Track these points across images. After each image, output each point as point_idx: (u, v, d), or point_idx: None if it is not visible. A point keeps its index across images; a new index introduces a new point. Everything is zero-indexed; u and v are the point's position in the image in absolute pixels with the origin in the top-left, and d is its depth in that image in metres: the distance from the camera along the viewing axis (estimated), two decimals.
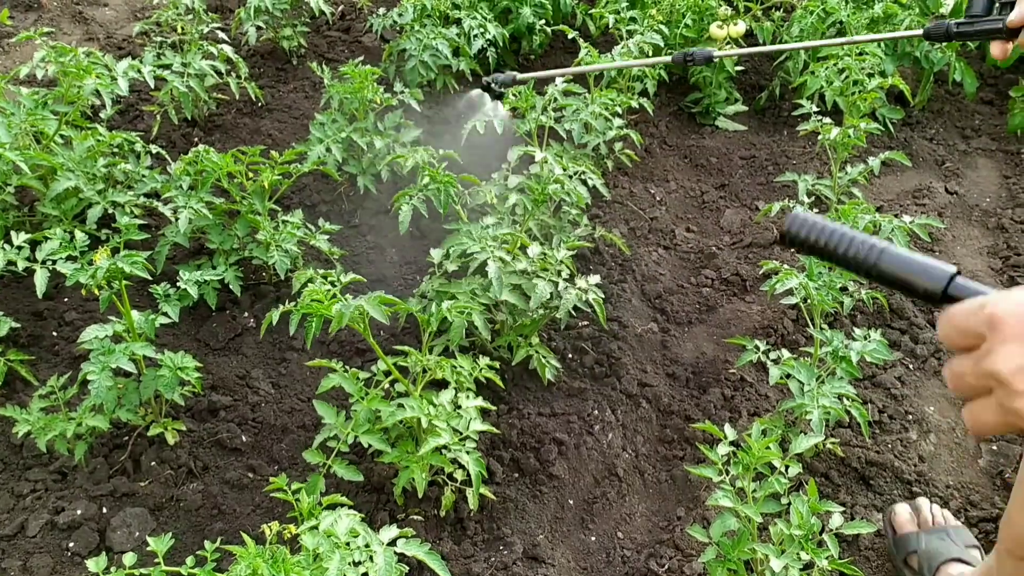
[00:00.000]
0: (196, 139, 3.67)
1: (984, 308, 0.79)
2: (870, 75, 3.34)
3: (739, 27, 3.74)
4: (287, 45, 4.23)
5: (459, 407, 2.06)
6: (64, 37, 4.62)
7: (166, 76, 3.20)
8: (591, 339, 2.74)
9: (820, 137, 3.00)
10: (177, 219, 2.58)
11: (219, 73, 3.60)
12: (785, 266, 2.38)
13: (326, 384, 2.10)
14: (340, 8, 4.87)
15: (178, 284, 2.26)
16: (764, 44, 3.93)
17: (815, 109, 3.08)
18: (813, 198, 3.08)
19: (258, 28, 4.03)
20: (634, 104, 3.35)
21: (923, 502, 2.20)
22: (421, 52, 3.66)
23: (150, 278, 2.15)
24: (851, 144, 2.95)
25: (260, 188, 2.70)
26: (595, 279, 2.54)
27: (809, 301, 2.26)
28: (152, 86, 3.12)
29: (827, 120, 3.07)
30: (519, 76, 2.74)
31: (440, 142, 2.88)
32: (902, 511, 2.20)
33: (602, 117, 3.11)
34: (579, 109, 3.07)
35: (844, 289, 2.66)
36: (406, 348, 2.17)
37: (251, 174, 2.74)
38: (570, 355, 2.71)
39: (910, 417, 2.52)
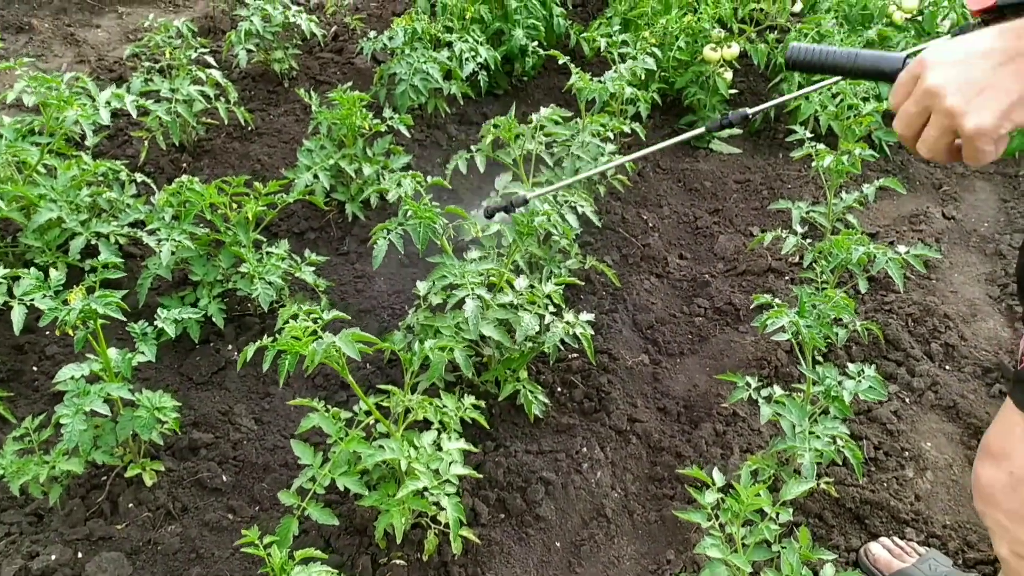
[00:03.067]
0: (184, 164, 3.63)
1: (917, 60, 1.02)
2: (865, 99, 3.30)
3: (733, 49, 3.70)
4: (278, 68, 4.20)
5: (441, 449, 2.01)
6: (55, 60, 4.60)
7: (150, 106, 3.17)
8: (581, 372, 2.69)
9: (814, 163, 2.95)
10: (159, 251, 2.54)
11: (208, 98, 3.57)
12: (777, 300, 2.33)
13: (306, 424, 2.05)
14: (333, 29, 4.85)
15: (156, 321, 2.22)
16: (760, 67, 3.89)
17: (808, 135, 3.04)
18: (807, 227, 3.03)
19: (248, 51, 4.00)
20: (626, 129, 3.30)
21: (885, 540, 2.17)
22: (411, 76, 3.62)
23: (123, 319, 2.10)
24: (845, 171, 2.91)
25: (244, 219, 2.66)
26: (585, 315, 2.49)
27: (801, 337, 2.21)
28: (135, 116, 3.08)
29: (821, 146, 3.03)
30: (528, 196, 2.12)
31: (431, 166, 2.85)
32: (879, 551, 2.15)
33: (592, 144, 3.07)
34: (568, 140, 3.03)
35: (838, 320, 2.60)
36: (389, 387, 2.12)
37: (235, 205, 2.70)
38: (559, 389, 2.66)
39: (906, 454, 2.47)
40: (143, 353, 2.18)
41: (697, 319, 2.96)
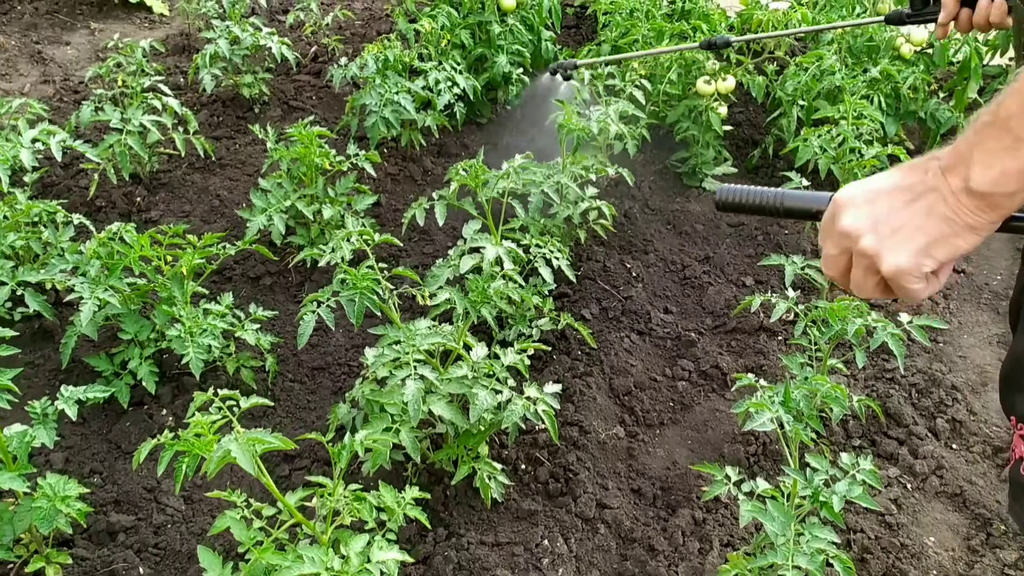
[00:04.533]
0: (139, 199, 3.40)
1: (832, 200, 0.98)
2: (868, 141, 3.04)
3: (728, 82, 3.45)
4: (247, 93, 3.97)
5: (370, 559, 1.76)
6: (19, 79, 4.38)
7: (81, 149, 2.93)
8: (548, 447, 2.44)
9: None
10: (80, 311, 2.30)
11: (164, 128, 3.34)
12: (762, 382, 2.08)
13: (219, 525, 1.80)
14: (313, 49, 4.62)
15: (58, 400, 1.98)
16: (758, 100, 3.63)
17: (805, 183, 2.78)
18: (799, 291, 2.77)
19: (214, 76, 3.77)
20: (610, 172, 3.05)
21: None
22: (382, 108, 3.38)
23: (16, 400, 1.87)
24: None
25: (179, 274, 2.42)
26: (551, 387, 2.24)
27: (786, 432, 1.95)
28: (59, 159, 2.86)
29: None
30: (578, 62, 3.24)
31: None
32: None
33: (571, 190, 2.83)
34: (543, 181, 2.78)
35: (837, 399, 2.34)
36: (319, 481, 1.87)
37: (171, 257, 2.46)
38: (523, 466, 2.41)
39: (907, 551, 2.20)
40: (60, 431, 1.94)
41: (680, 384, 2.70)
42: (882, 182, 0.96)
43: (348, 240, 2.21)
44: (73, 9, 5.05)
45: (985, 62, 3.96)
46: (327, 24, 4.54)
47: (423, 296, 2.15)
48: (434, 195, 2.61)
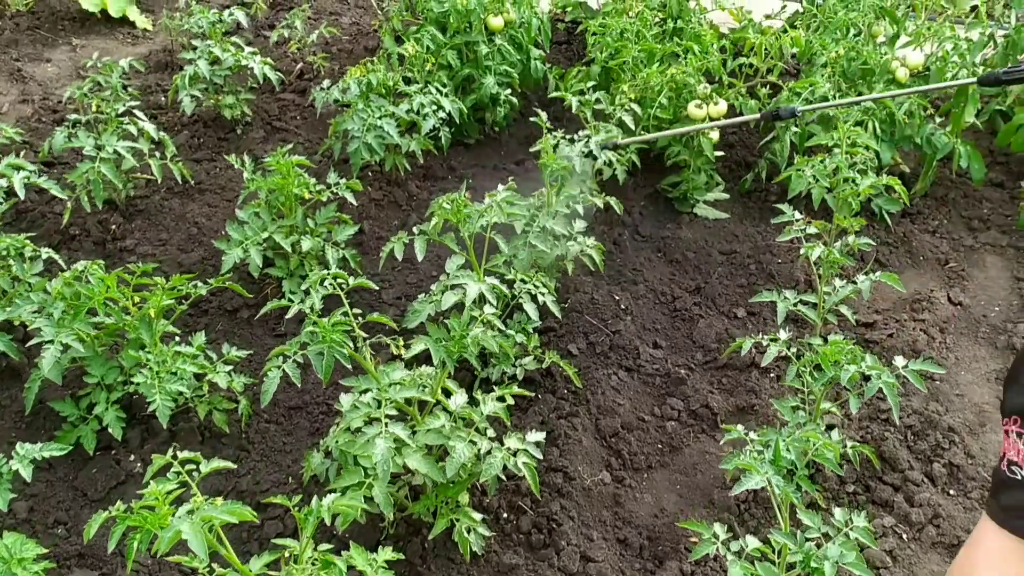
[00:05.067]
0: (115, 226, 3.31)
1: None
2: (862, 171, 2.96)
3: (720, 106, 3.37)
4: (229, 114, 3.88)
5: None
6: None
7: (46, 185, 2.85)
8: (531, 495, 2.35)
9: (802, 251, 2.62)
10: (42, 356, 2.21)
11: (140, 154, 3.26)
12: (751, 435, 1.99)
13: None
14: (299, 67, 4.53)
15: (13, 460, 1.88)
16: (750, 123, 3.55)
17: (798, 216, 2.70)
18: (792, 324, 2.68)
19: (194, 97, 3.67)
20: (599, 204, 2.97)
21: None
22: (365, 133, 3.29)
23: None
24: (837, 263, 2.57)
25: (147, 316, 2.33)
26: (533, 436, 2.15)
27: (776, 492, 1.86)
28: (22, 196, 2.77)
29: (811, 228, 2.70)
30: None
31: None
32: None
33: (551, 234, 2.75)
34: (529, 222, 2.70)
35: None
36: (286, 543, 1.79)
37: (139, 299, 2.37)
38: (505, 515, 2.32)
39: None
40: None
41: (669, 424, 2.62)
42: None
43: (322, 284, 2.12)
44: (55, 25, 4.96)
45: None
46: (312, 41, 4.45)
47: (397, 346, 2.06)
48: (415, 229, 2.52)
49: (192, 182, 3.50)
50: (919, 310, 3.00)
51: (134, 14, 5.08)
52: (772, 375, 2.78)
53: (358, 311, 2.06)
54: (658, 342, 2.91)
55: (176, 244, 3.25)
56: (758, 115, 3.02)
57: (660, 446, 2.56)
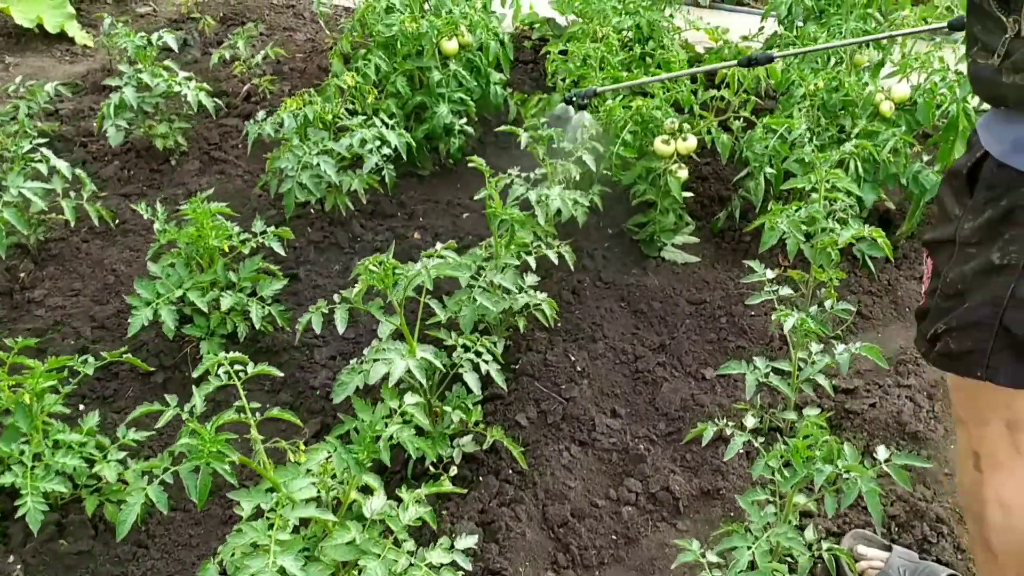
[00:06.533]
0: (23, 274, 3.01)
1: None
2: (842, 220, 2.69)
3: (689, 142, 3.09)
4: (161, 144, 3.58)
5: None
6: None
7: None
8: None
9: (774, 316, 2.34)
10: None
11: (54, 194, 2.96)
12: (708, 557, 1.72)
13: None
14: (245, 88, 4.23)
15: None
16: (723, 159, 3.28)
17: (768, 275, 2.43)
18: (764, 399, 2.41)
19: (120, 127, 3.38)
20: (551, 256, 2.69)
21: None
22: (300, 172, 3.00)
23: None
24: (812, 333, 2.30)
25: (22, 401, 2.03)
26: (463, 541, 1.87)
27: None
28: None
29: (785, 290, 2.43)
30: (599, 89, 3.08)
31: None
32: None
33: (497, 293, 2.47)
34: (469, 294, 2.43)
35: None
36: None
37: (14, 382, 2.07)
38: None
39: None
40: None
41: (626, 509, 2.34)
42: None
43: (216, 372, 1.83)
44: None
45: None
46: (258, 63, 4.15)
47: (293, 452, 1.77)
48: (336, 297, 2.24)
49: (113, 223, 3.19)
50: (904, 374, 2.73)
51: (74, 30, 4.78)
52: (741, 451, 2.51)
53: (256, 405, 1.78)
54: (617, 410, 2.63)
55: (90, 295, 2.95)
56: (735, 62, 2.80)
57: (614, 537, 2.28)
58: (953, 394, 1.71)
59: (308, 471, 1.75)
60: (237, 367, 1.84)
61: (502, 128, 2.97)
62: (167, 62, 3.62)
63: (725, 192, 3.61)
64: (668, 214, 3.20)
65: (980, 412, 1.59)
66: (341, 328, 2.19)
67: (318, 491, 1.79)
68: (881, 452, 1.99)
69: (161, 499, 1.64)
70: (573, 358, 2.77)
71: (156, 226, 2.60)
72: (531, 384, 2.66)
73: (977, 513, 1.67)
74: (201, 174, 3.63)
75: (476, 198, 2.64)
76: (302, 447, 1.76)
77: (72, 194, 3.03)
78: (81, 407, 2.57)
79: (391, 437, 1.83)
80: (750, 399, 2.37)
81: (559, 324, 2.90)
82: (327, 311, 2.23)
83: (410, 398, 1.92)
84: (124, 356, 2.21)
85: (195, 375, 1.85)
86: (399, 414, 1.88)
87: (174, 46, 3.60)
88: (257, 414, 1.78)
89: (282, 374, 2.10)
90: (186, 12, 4.93)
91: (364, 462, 1.74)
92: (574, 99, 3.05)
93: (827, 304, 2.39)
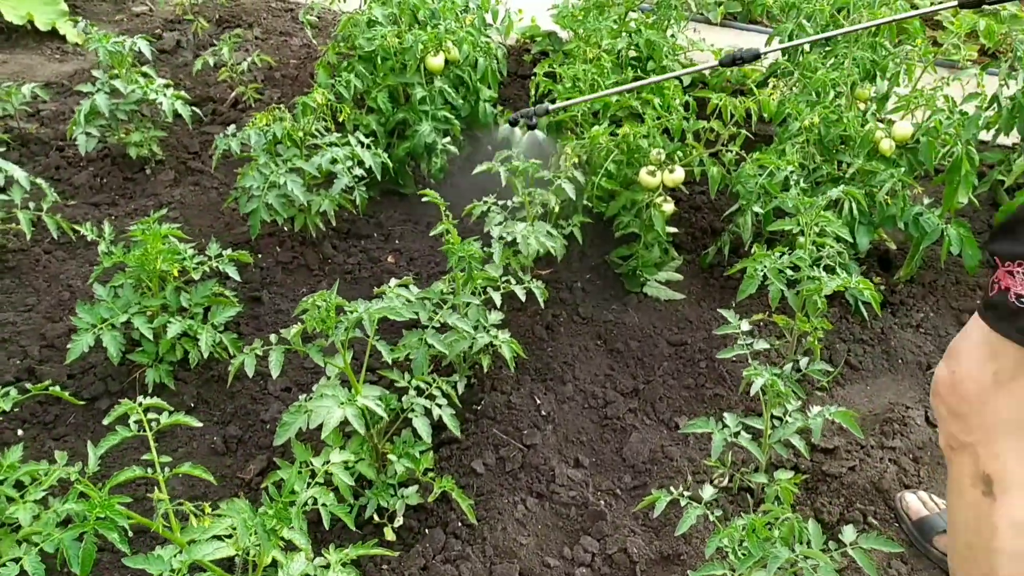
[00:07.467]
0: None
1: None
2: (829, 267, 2.53)
3: (676, 174, 2.94)
4: (135, 153, 3.48)
5: None
6: None
7: None
8: None
9: (745, 374, 2.19)
10: None
11: (12, 204, 2.86)
12: None
13: None
14: (232, 95, 4.12)
15: None
16: (712, 193, 3.11)
17: (745, 328, 2.27)
18: (733, 456, 2.25)
19: (89, 135, 3.27)
20: (519, 293, 2.55)
21: (923, 493, 2.30)
22: (266, 192, 2.88)
23: None
24: (786, 394, 2.14)
25: None
26: None
27: None
28: None
29: (760, 343, 2.28)
30: (551, 107, 2.74)
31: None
32: (912, 499, 2.28)
33: (465, 325, 2.33)
34: (420, 335, 2.29)
35: None
36: None
37: None
38: None
39: None
40: None
41: (579, 571, 2.19)
42: None
43: (127, 422, 1.71)
44: None
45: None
46: (244, 69, 4.04)
47: (198, 515, 1.64)
48: (272, 338, 2.11)
49: (74, 236, 3.08)
50: (889, 434, 2.56)
51: (65, 28, 4.69)
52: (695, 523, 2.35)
53: (166, 460, 1.66)
54: (580, 460, 2.49)
55: (43, 311, 2.84)
56: (717, 62, 2.60)
57: None
58: (951, 422, 1.62)
59: (216, 536, 1.62)
60: (151, 416, 1.71)
61: (479, 170, 2.83)
62: (146, 68, 3.51)
63: (718, 224, 3.46)
64: (652, 248, 3.05)
65: (990, 429, 1.55)
66: (275, 372, 2.06)
67: (235, 553, 1.66)
68: (847, 533, 1.84)
69: (39, 570, 1.51)
70: (539, 401, 2.63)
71: (101, 248, 2.48)
72: (491, 428, 2.52)
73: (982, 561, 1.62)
74: (175, 185, 3.52)
75: (434, 231, 2.50)
76: (208, 510, 1.63)
77: (31, 205, 2.93)
78: (20, 432, 2.46)
79: (311, 501, 1.70)
80: (718, 457, 2.21)
81: (528, 362, 2.75)
82: (261, 353, 2.10)
83: (337, 456, 1.79)
84: (50, 389, 2.08)
85: (106, 422, 1.72)
86: (322, 476, 1.75)
87: (148, 53, 3.48)
88: (166, 469, 1.65)
89: (200, 424, 1.97)
90: (181, 13, 4.82)
91: (280, 529, 1.60)
92: (520, 119, 2.74)
93: (803, 363, 2.23)
